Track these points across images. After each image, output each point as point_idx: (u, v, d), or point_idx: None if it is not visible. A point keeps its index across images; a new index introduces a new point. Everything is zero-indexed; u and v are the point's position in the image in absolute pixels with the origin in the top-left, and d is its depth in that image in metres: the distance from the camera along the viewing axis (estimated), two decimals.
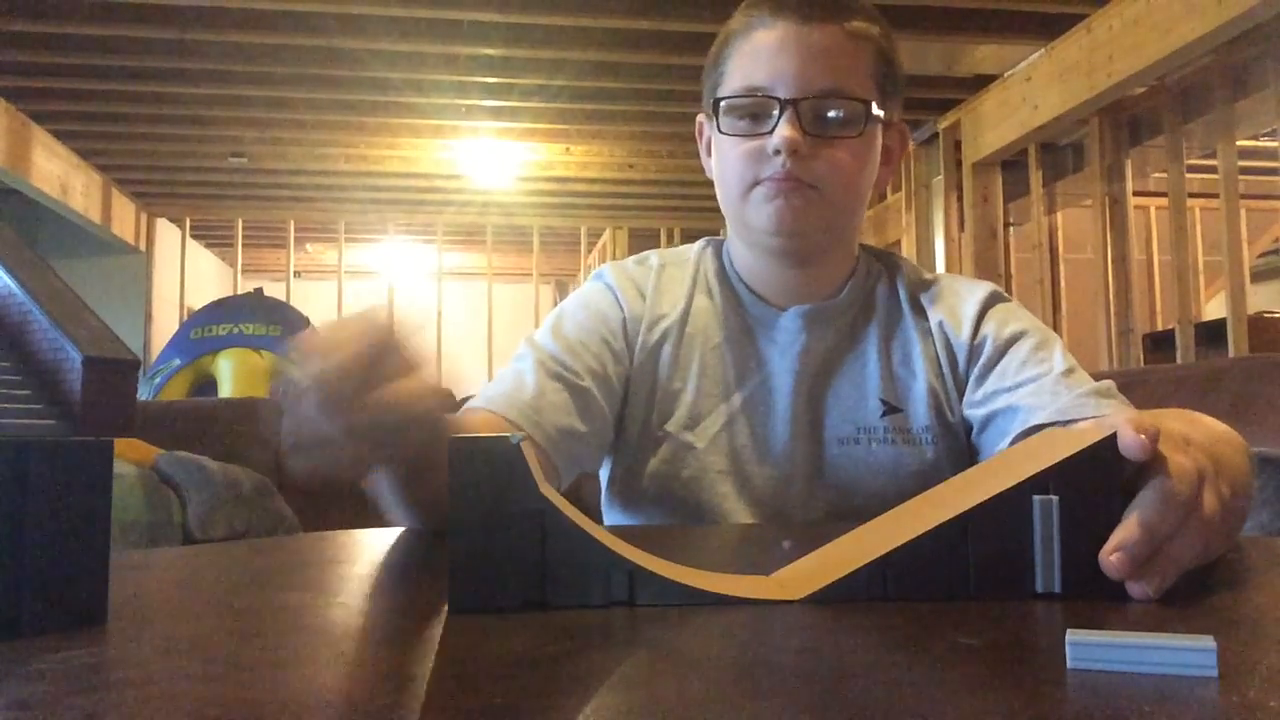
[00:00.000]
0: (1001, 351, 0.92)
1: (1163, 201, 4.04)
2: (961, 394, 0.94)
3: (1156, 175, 4.39)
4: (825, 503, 0.92)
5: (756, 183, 0.90)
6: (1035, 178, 4.21)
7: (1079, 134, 4.28)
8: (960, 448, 0.94)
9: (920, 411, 0.93)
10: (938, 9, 3.45)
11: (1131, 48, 3.18)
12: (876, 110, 0.90)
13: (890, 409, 0.93)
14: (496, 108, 4.45)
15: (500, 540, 0.44)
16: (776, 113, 0.88)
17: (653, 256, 1.04)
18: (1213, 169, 3.56)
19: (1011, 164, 4.34)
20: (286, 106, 4.40)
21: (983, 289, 0.98)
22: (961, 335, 0.95)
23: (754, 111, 0.90)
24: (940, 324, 0.96)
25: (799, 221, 0.89)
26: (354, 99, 4.32)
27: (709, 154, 1.00)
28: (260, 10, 3.45)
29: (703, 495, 0.92)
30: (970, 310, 0.95)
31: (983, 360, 0.93)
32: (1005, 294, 0.99)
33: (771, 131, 0.88)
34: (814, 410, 0.94)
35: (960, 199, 4.43)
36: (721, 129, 0.92)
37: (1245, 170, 3.64)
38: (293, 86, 4.14)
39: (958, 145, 4.41)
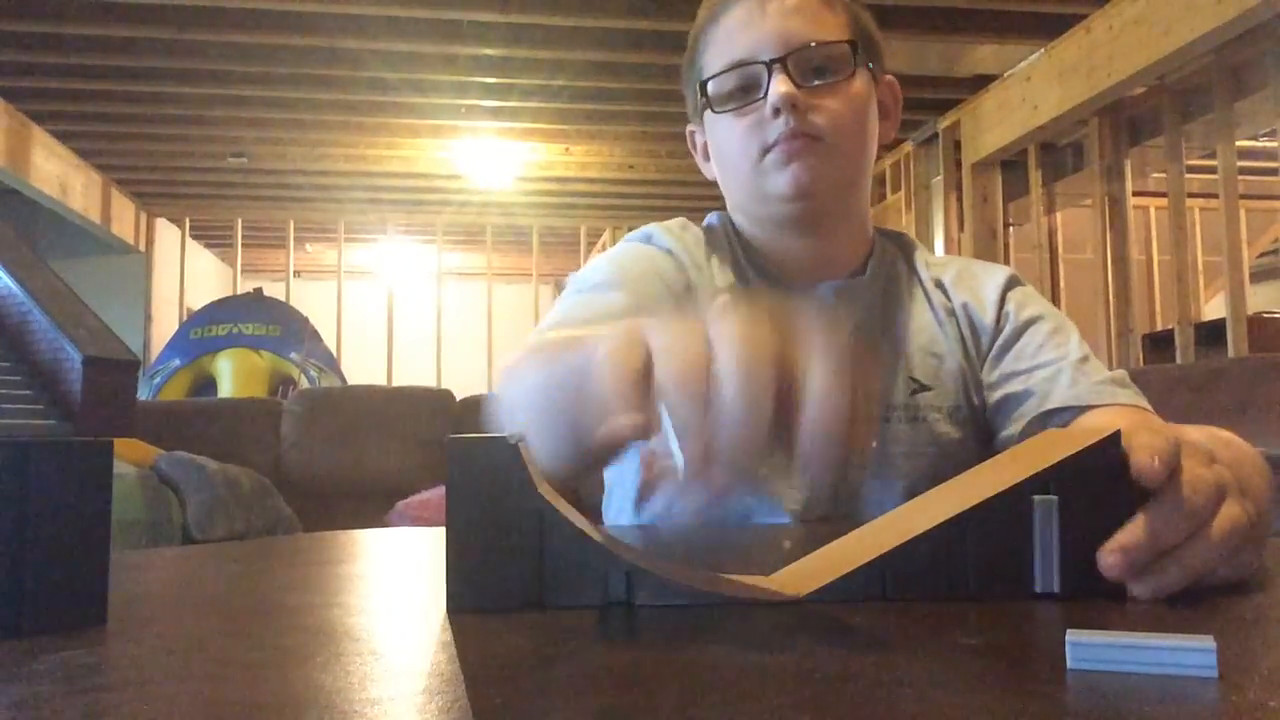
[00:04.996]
0: (1019, 333, 0.93)
1: (1162, 202, 4.05)
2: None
3: (1156, 175, 4.40)
4: (856, 482, 0.91)
5: (765, 151, 0.89)
6: (1035, 178, 4.21)
7: (1079, 134, 4.29)
8: (982, 428, 0.94)
9: (949, 390, 0.93)
10: (938, 9, 3.45)
11: (1131, 48, 3.18)
12: (861, 52, 0.91)
13: (920, 387, 0.93)
14: (496, 108, 4.45)
15: (498, 540, 0.44)
16: (765, 77, 0.88)
17: (691, 226, 1.01)
18: (1212, 169, 3.56)
19: (1011, 164, 4.34)
20: (286, 106, 4.40)
21: (1002, 272, 0.99)
22: (986, 318, 0.95)
23: (743, 84, 0.90)
24: (965, 306, 0.96)
25: (815, 180, 0.89)
26: (353, 99, 4.32)
27: (706, 158, 1.00)
28: (260, 10, 3.45)
29: None
30: (992, 294, 0.96)
31: (1000, 341, 0.93)
32: (1022, 278, 1.00)
33: (765, 96, 0.88)
34: None
35: (960, 199, 4.43)
36: (715, 109, 0.92)
37: (1245, 170, 3.64)
38: (292, 86, 4.14)
39: (957, 145, 4.41)
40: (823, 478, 0.42)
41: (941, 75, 4.11)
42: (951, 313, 0.96)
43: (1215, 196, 3.48)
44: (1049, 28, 3.55)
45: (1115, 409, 0.84)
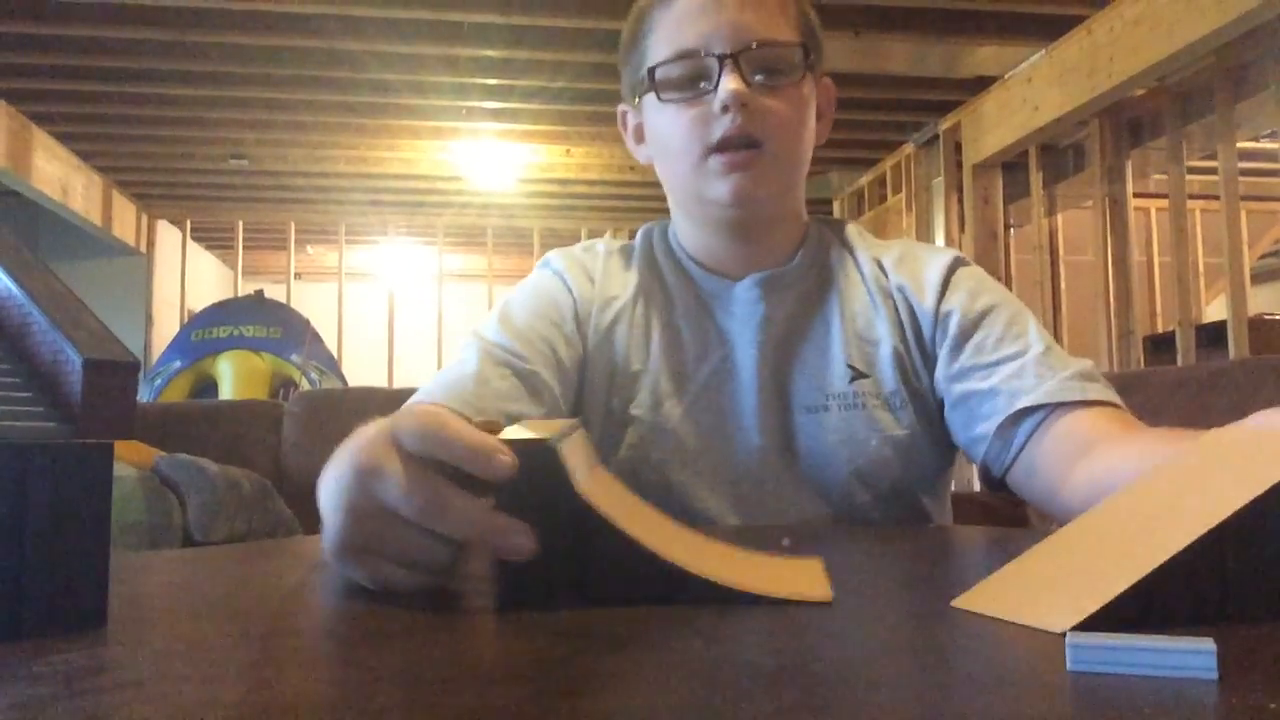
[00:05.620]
0: (974, 324, 0.91)
1: (1163, 203, 4.04)
2: (926, 360, 0.93)
3: (1157, 177, 4.39)
4: (798, 474, 0.91)
5: (708, 150, 0.88)
6: (1036, 179, 4.21)
7: (1079, 135, 4.29)
8: (929, 414, 0.93)
9: (887, 375, 0.92)
10: (938, 10, 3.45)
11: (1132, 49, 3.18)
12: (810, 55, 0.91)
13: (858, 374, 0.92)
14: (497, 109, 4.45)
15: (541, 539, 0.44)
16: (716, 72, 0.87)
17: (599, 244, 1.03)
18: (1213, 170, 3.56)
19: (1012, 165, 4.34)
20: (286, 108, 4.40)
21: (945, 255, 0.97)
22: (926, 302, 0.93)
23: (691, 76, 0.89)
24: (901, 288, 0.94)
25: (755, 190, 0.89)
26: (354, 101, 4.32)
27: (639, 141, 0.99)
28: (260, 12, 3.45)
29: (674, 476, 0.90)
30: (934, 277, 0.94)
31: (954, 332, 0.91)
32: (968, 259, 0.98)
33: (715, 89, 0.87)
34: (780, 380, 0.92)
35: (961, 200, 4.43)
36: (660, 97, 0.91)
37: (1246, 172, 3.64)
38: (293, 88, 4.14)
39: (958, 147, 4.41)
40: None
41: (942, 76, 4.11)
42: (888, 295, 0.95)
43: (1216, 198, 3.48)
44: (1050, 29, 3.55)
45: (1093, 407, 0.82)
